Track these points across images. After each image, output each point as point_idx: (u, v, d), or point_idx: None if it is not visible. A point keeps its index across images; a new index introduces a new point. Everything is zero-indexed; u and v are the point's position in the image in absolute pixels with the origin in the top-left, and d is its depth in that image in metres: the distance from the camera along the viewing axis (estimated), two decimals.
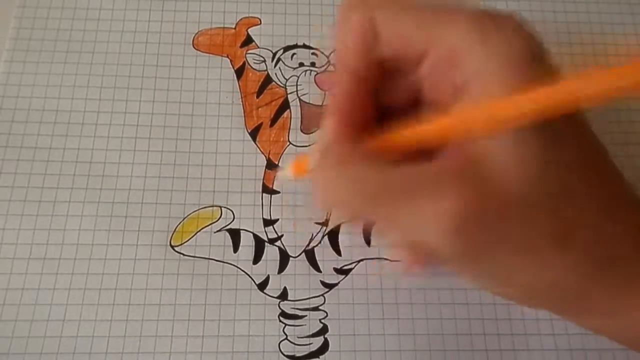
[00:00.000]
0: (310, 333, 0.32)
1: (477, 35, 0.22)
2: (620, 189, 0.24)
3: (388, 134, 0.24)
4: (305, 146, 0.37)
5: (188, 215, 0.35)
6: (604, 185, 0.23)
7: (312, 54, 0.39)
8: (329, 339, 0.32)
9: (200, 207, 0.35)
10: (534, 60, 0.22)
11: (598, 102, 0.19)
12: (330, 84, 0.26)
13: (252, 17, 0.40)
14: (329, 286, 0.33)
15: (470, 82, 0.22)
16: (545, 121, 0.20)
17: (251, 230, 0.34)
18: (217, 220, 0.35)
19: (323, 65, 0.39)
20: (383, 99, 0.27)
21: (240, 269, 0.34)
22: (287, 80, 0.38)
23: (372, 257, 0.34)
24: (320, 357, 0.32)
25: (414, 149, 0.23)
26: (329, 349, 0.32)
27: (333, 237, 0.34)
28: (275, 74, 0.38)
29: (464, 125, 0.22)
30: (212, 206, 0.35)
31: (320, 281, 0.33)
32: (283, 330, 0.32)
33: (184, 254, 0.34)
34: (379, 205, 0.22)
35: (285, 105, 0.38)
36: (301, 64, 0.39)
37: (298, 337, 0.32)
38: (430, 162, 0.22)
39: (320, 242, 0.34)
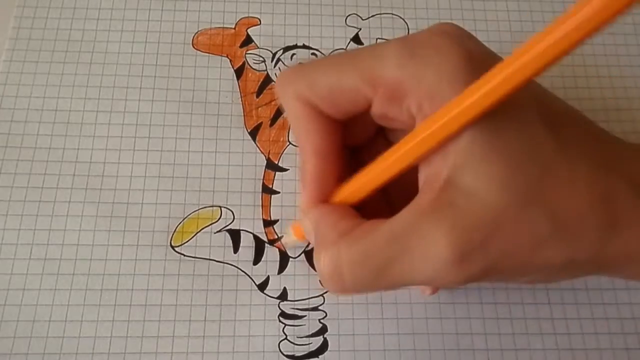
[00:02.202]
0: (310, 333, 0.33)
1: (414, 62, 0.23)
2: (603, 144, 0.25)
3: (357, 179, 0.25)
4: None
5: (188, 216, 0.35)
6: (584, 149, 0.23)
7: (312, 54, 0.39)
8: (328, 338, 0.32)
9: (200, 207, 0.35)
10: (475, 62, 0.22)
11: (537, 72, 0.19)
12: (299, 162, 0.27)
13: (251, 17, 0.40)
14: None
15: (424, 107, 0.23)
16: (489, 119, 0.21)
17: (251, 231, 0.34)
18: (217, 221, 0.35)
19: None
20: (350, 140, 0.28)
21: (241, 269, 0.34)
22: None
23: None
24: (320, 356, 0.32)
25: (389, 180, 0.24)
26: (329, 349, 0.32)
27: None
28: (275, 74, 0.38)
29: (422, 146, 0.22)
30: (212, 206, 0.35)
31: (320, 282, 0.34)
32: (283, 330, 0.32)
33: (184, 255, 0.34)
34: (384, 274, 0.23)
35: None
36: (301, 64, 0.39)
37: (298, 337, 0.32)
38: (408, 209, 0.23)
39: None
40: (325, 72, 0.25)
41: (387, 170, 0.24)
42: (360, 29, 0.40)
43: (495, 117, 0.21)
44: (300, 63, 0.27)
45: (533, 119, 0.22)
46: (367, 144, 0.29)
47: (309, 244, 0.34)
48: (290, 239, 0.33)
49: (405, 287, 0.29)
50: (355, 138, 0.28)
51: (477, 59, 0.23)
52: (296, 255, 0.34)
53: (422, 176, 0.24)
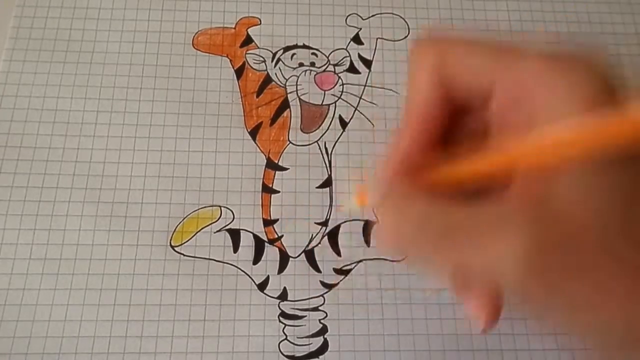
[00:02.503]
0: (310, 333, 0.33)
1: (548, 73, 0.22)
2: None
3: (449, 168, 0.24)
4: (305, 145, 0.37)
5: (188, 215, 0.35)
6: None
7: (312, 54, 0.39)
8: (328, 339, 0.32)
9: (200, 206, 0.35)
10: (607, 101, 0.21)
11: None
12: (400, 123, 0.27)
13: (251, 17, 0.40)
14: (329, 286, 0.33)
15: (538, 119, 0.22)
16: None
17: (251, 231, 0.34)
18: (217, 220, 0.35)
19: (323, 65, 0.39)
20: (453, 135, 0.27)
21: (240, 269, 0.34)
22: (287, 80, 0.38)
23: (371, 257, 0.34)
24: (320, 357, 0.32)
25: (476, 184, 0.24)
26: (329, 349, 0.32)
27: (333, 237, 0.35)
28: (275, 74, 0.38)
29: (524, 158, 0.22)
30: (212, 206, 0.35)
31: (320, 281, 0.34)
32: (283, 331, 0.32)
33: (184, 255, 0.34)
34: (445, 244, 0.22)
35: (285, 105, 0.38)
36: (301, 64, 0.39)
37: (298, 338, 0.32)
38: (494, 201, 0.22)
39: (319, 242, 0.34)
40: (467, 47, 0.24)
41: (489, 164, 0.23)
42: (361, 29, 0.40)
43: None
44: (443, 34, 0.26)
45: None
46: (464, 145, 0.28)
47: (308, 243, 0.34)
48: (352, 205, 0.31)
49: (461, 267, 0.28)
50: (455, 133, 0.28)
51: (614, 93, 0.22)
52: (296, 255, 0.34)
53: (519, 178, 0.23)
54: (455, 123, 0.26)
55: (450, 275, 0.30)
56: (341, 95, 0.38)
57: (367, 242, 0.34)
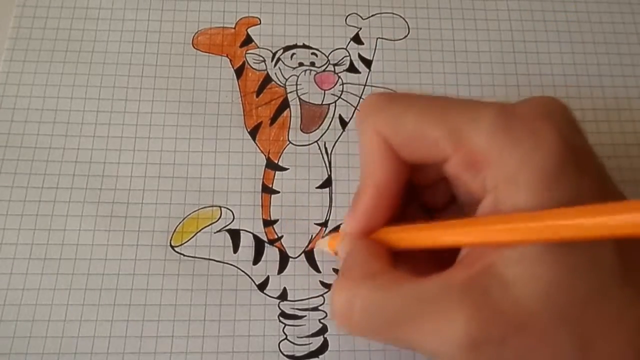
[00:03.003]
0: (310, 333, 0.33)
1: (507, 139, 0.22)
2: None
3: (407, 232, 0.25)
4: (305, 145, 0.37)
5: (188, 216, 0.35)
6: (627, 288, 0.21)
7: (312, 53, 0.39)
8: (328, 338, 0.32)
9: (200, 207, 0.35)
10: (571, 164, 0.21)
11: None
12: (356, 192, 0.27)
13: (251, 16, 0.40)
14: (329, 286, 0.33)
15: (500, 189, 0.22)
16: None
17: (251, 231, 0.34)
18: (216, 220, 0.35)
19: (323, 65, 0.39)
20: (414, 179, 0.27)
21: (240, 269, 0.34)
22: (286, 80, 0.38)
23: None
24: (320, 356, 0.32)
25: (435, 248, 0.24)
26: (329, 349, 0.32)
27: None
28: (275, 73, 0.38)
29: (481, 235, 0.22)
30: (212, 206, 0.35)
31: (320, 281, 0.34)
32: (283, 330, 0.32)
33: (184, 255, 0.34)
34: (390, 331, 0.23)
35: (284, 105, 0.38)
36: (301, 64, 0.39)
37: (298, 337, 0.32)
38: (441, 275, 0.22)
39: None
40: (412, 116, 0.24)
41: (438, 238, 0.23)
42: (361, 29, 0.40)
43: None
44: (389, 94, 0.26)
45: (610, 246, 0.21)
46: (429, 187, 0.28)
47: (308, 244, 0.34)
48: (324, 245, 0.32)
49: (409, 350, 0.29)
50: (419, 180, 0.27)
51: (575, 158, 0.21)
52: (296, 255, 0.34)
53: (465, 250, 0.23)
54: (416, 176, 0.27)
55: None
56: (341, 95, 0.38)
57: None
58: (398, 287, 0.22)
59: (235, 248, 0.34)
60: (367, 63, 0.39)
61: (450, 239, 0.23)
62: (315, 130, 0.37)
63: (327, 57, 0.39)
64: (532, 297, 0.20)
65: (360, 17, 0.40)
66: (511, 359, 0.20)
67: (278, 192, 0.36)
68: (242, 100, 0.38)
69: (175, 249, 0.34)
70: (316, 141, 0.37)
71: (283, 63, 0.39)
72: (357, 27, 0.40)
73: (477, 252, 0.22)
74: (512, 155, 0.21)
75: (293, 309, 0.33)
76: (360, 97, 0.38)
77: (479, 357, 0.20)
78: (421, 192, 0.28)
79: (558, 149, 0.21)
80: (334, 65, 0.39)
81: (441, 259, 0.24)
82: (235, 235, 0.34)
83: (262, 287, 0.33)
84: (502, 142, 0.22)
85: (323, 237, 0.34)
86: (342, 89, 0.38)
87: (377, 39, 0.40)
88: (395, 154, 0.25)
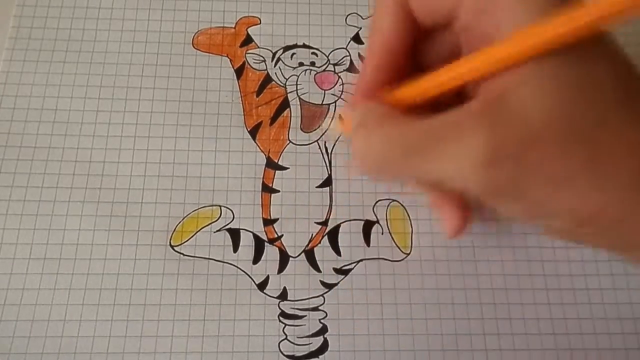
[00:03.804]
0: (310, 333, 0.33)
1: None
2: None
3: (419, 81, 0.25)
4: (305, 144, 0.37)
5: (188, 215, 0.35)
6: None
7: (312, 53, 0.39)
8: (328, 338, 0.32)
9: (200, 206, 0.35)
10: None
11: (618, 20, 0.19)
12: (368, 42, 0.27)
13: (251, 16, 0.40)
14: (329, 286, 0.33)
15: (501, 26, 0.22)
16: (567, 47, 0.21)
17: (251, 230, 0.34)
18: (216, 220, 0.35)
19: (323, 65, 0.39)
20: (425, 58, 0.28)
21: (240, 269, 0.34)
22: (286, 79, 0.38)
23: (371, 257, 0.34)
24: (320, 357, 0.32)
25: (445, 95, 0.25)
26: (329, 349, 0.32)
27: (333, 237, 0.35)
28: (275, 73, 0.38)
29: (488, 64, 0.22)
30: (212, 205, 0.35)
31: (320, 281, 0.34)
32: (283, 330, 0.32)
33: (184, 254, 0.34)
34: (409, 163, 0.23)
35: (285, 104, 0.38)
36: (301, 64, 0.39)
37: (298, 337, 0.32)
38: (456, 109, 0.23)
39: (320, 242, 0.34)
40: None
41: (450, 79, 0.24)
42: (361, 28, 0.40)
43: (572, 50, 0.21)
44: None
45: (605, 63, 0.22)
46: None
47: (308, 243, 0.34)
48: (336, 127, 0.32)
49: (427, 181, 0.28)
50: (424, 57, 0.28)
51: None
52: (296, 255, 0.34)
53: (480, 88, 0.24)
54: (424, 46, 0.27)
55: (423, 189, 0.32)
56: (341, 94, 0.38)
57: (367, 241, 0.34)
58: (413, 122, 0.23)
59: (235, 247, 0.34)
60: None
61: (458, 74, 0.24)
62: (315, 130, 0.37)
63: (327, 57, 0.39)
64: (543, 114, 0.21)
65: (361, 16, 0.40)
66: (527, 171, 0.21)
67: (278, 191, 0.36)
68: (242, 100, 0.38)
69: (175, 248, 0.34)
70: (316, 141, 0.37)
71: (283, 63, 0.39)
72: (357, 27, 0.40)
73: (488, 85, 0.23)
74: None
75: (293, 308, 0.33)
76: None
77: (498, 172, 0.21)
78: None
79: None
80: (334, 64, 0.39)
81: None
82: (235, 234, 0.34)
83: (262, 286, 0.33)
84: None
85: (331, 121, 0.35)
86: (342, 88, 0.38)
87: None
88: (407, 11, 0.26)
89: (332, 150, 0.37)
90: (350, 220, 0.35)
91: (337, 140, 0.36)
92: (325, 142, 0.37)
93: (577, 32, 0.20)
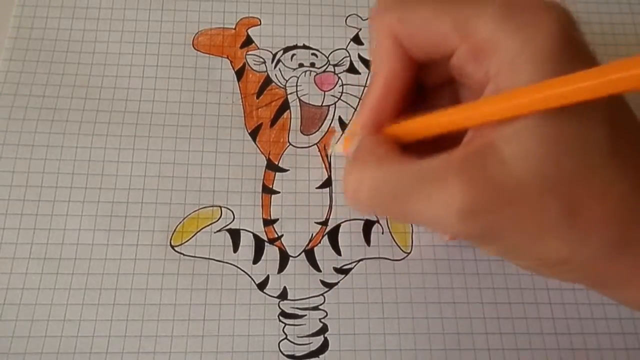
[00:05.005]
0: (310, 332, 0.32)
1: (510, 25, 0.23)
2: None
3: (413, 121, 0.26)
4: (305, 147, 0.37)
5: (188, 215, 0.35)
6: (629, 162, 0.23)
7: (312, 54, 0.39)
8: (328, 338, 0.32)
9: (200, 206, 0.35)
10: (569, 49, 0.22)
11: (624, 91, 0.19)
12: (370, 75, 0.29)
13: (252, 17, 0.40)
14: (329, 285, 0.33)
15: (502, 73, 0.23)
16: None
17: (251, 230, 0.34)
18: (217, 220, 0.35)
19: (323, 66, 0.39)
20: (422, 80, 0.29)
21: (240, 268, 0.33)
22: (287, 81, 0.38)
23: (372, 256, 0.34)
24: (320, 356, 0.32)
25: (440, 133, 0.25)
26: (329, 348, 0.32)
27: (333, 236, 0.34)
28: (275, 75, 0.38)
29: (483, 115, 0.23)
30: (212, 206, 0.35)
31: (320, 281, 0.33)
32: (283, 330, 0.32)
33: (184, 254, 0.34)
34: (396, 205, 0.25)
35: (285, 106, 0.38)
36: (301, 65, 0.39)
37: (298, 337, 0.32)
38: (444, 152, 0.24)
39: (320, 241, 0.34)
40: (421, 12, 0.25)
41: (444, 124, 0.25)
42: (361, 29, 0.40)
43: (567, 108, 0.21)
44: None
45: (600, 121, 0.22)
46: (436, 90, 0.29)
47: (309, 243, 0.34)
48: (339, 147, 0.34)
49: (413, 222, 0.32)
50: (426, 80, 0.29)
51: (573, 45, 0.23)
52: (296, 254, 0.34)
53: (470, 134, 0.24)
54: (426, 70, 0.28)
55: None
56: (341, 96, 0.38)
57: (368, 241, 0.34)
58: (403, 165, 0.24)
59: (235, 247, 0.34)
60: (367, 64, 0.39)
61: (449, 121, 0.25)
62: (315, 133, 0.37)
63: (327, 58, 0.39)
64: (525, 171, 0.21)
65: (360, 17, 0.40)
66: (504, 225, 0.22)
67: (278, 192, 0.36)
68: (242, 101, 0.38)
69: (175, 248, 0.34)
70: (316, 143, 0.37)
71: (283, 64, 0.39)
72: (357, 28, 0.40)
73: (477, 134, 0.24)
74: (514, 40, 0.22)
75: (293, 308, 0.33)
76: (360, 98, 0.38)
77: (475, 223, 0.22)
78: (427, 95, 0.30)
79: (558, 34, 0.22)
80: (334, 65, 0.39)
81: (447, 150, 0.25)
82: (235, 234, 0.34)
83: (262, 286, 0.33)
84: (505, 30, 0.23)
85: (337, 140, 0.36)
86: (342, 90, 0.38)
87: None
88: (404, 50, 0.27)
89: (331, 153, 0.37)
90: (350, 220, 0.35)
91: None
92: (324, 145, 0.37)
93: (575, 97, 0.20)
